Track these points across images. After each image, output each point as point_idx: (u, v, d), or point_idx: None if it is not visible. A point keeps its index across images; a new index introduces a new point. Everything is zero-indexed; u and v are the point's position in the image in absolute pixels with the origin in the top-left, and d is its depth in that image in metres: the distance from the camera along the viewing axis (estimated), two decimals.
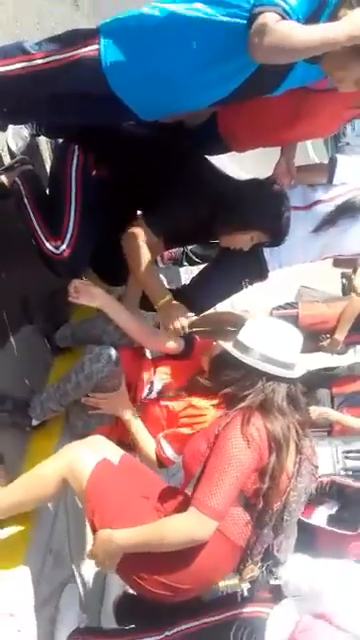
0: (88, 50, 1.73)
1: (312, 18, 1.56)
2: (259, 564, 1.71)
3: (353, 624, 1.71)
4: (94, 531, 1.75)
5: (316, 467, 1.80)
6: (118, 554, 1.67)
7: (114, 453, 1.93)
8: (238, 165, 3.05)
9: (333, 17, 1.59)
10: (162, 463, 2.06)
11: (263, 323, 1.87)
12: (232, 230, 2.19)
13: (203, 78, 1.72)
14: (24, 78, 1.82)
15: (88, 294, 2.03)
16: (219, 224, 2.19)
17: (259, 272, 2.54)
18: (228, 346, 1.78)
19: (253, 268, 2.51)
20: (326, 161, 2.79)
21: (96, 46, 1.72)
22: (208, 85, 1.75)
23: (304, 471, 1.72)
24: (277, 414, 1.67)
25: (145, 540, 1.62)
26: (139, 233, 2.11)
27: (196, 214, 2.15)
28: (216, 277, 2.70)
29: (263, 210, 2.11)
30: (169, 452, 2.04)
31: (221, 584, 1.72)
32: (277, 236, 2.21)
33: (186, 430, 2.13)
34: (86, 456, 1.84)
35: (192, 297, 2.48)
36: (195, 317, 2.24)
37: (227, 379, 1.77)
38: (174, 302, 2.18)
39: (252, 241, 2.19)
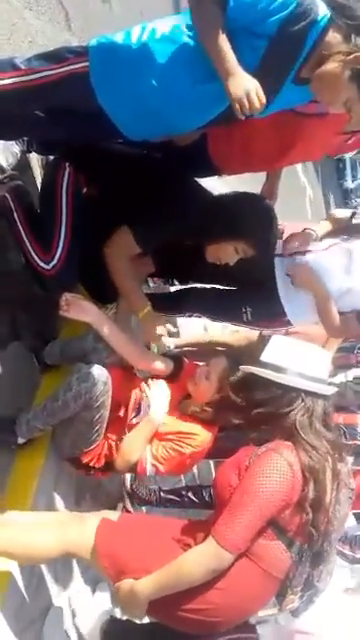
0: (77, 67, 1.74)
1: (292, 31, 1.57)
2: (299, 594, 1.68)
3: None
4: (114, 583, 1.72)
5: (352, 490, 1.77)
6: (144, 602, 1.63)
7: (112, 516, 1.88)
8: (224, 185, 3.07)
9: (320, 40, 1.60)
10: (135, 469, 2.10)
11: (287, 343, 1.85)
12: (215, 239, 2.17)
13: (188, 101, 1.72)
14: (14, 93, 1.82)
15: (79, 308, 2.01)
16: (204, 236, 2.19)
17: (267, 307, 2.50)
18: (257, 370, 1.76)
19: (259, 299, 2.48)
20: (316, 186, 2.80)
21: (85, 63, 1.73)
22: (194, 107, 1.76)
23: (342, 498, 1.68)
24: (312, 437, 1.65)
25: (166, 582, 1.60)
26: (121, 242, 2.10)
27: (182, 227, 2.14)
28: (213, 293, 2.70)
29: (247, 219, 2.10)
30: (149, 466, 2.07)
31: (260, 613, 1.72)
32: (263, 249, 2.19)
33: (175, 449, 2.12)
34: (81, 527, 1.80)
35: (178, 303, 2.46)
36: (174, 331, 2.24)
37: (263, 399, 1.73)
38: (154, 313, 2.18)
39: (237, 254, 2.17)
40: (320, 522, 1.61)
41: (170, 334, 3.21)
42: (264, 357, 1.79)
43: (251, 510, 1.55)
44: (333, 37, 1.61)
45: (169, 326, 2.22)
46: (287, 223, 2.97)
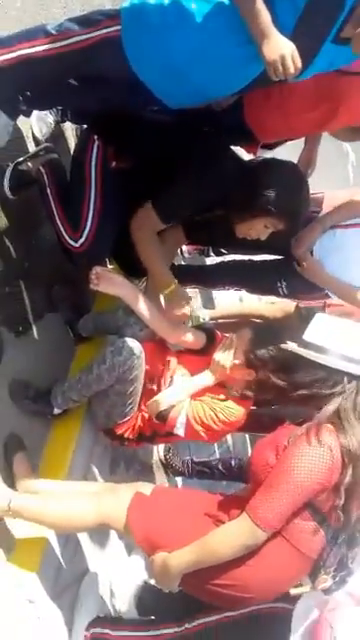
0: (109, 31, 1.68)
1: None
2: (332, 574, 1.68)
3: None
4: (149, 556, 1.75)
5: None
6: (177, 575, 1.66)
7: (144, 488, 1.89)
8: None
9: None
10: (164, 419, 2.06)
11: (331, 322, 1.80)
12: (245, 215, 2.10)
13: (224, 63, 1.66)
14: (47, 60, 1.79)
15: (109, 281, 2.00)
16: (233, 209, 2.12)
17: (300, 279, 2.41)
18: (300, 349, 1.72)
19: (295, 272, 2.40)
20: None
21: (118, 27, 1.67)
22: (230, 70, 1.69)
23: None
24: (354, 421, 1.61)
25: (198, 556, 1.61)
26: (145, 218, 2.06)
27: (207, 198, 2.07)
28: (247, 266, 2.66)
29: (276, 192, 2.01)
30: (180, 421, 2.05)
31: (292, 591, 1.72)
32: (293, 222, 2.11)
33: (209, 414, 2.10)
34: (115, 499, 1.81)
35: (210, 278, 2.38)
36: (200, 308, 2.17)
37: (305, 381, 1.69)
38: (179, 291, 2.13)
39: (267, 229, 2.10)
40: (353, 507, 1.58)
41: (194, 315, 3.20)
42: (307, 336, 1.74)
43: (287, 491, 1.54)
44: None
45: (194, 306, 2.14)
46: (327, 192, 2.87)
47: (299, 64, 1.53)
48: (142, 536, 1.74)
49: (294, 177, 2.11)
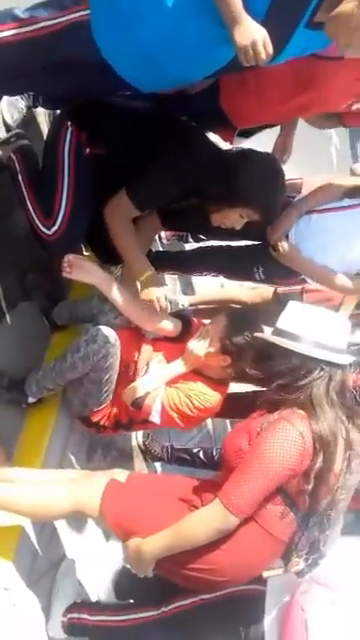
0: (78, 15, 1.65)
1: None
2: (304, 557, 1.72)
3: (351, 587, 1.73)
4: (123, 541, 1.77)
5: None
6: (151, 561, 1.67)
7: (120, 475, 1.90)
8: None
9: None
10: (139, 407, 2.07)
11: (304, 309, 1.81)
12: (219, 205, 2.10)
13: (195, 48, 1.63)
14: (15, 46, 1.75)
15: (82, 269, 1.98)
16: (208, 199, 2.11)
17: (276, 264, 2.41)
18: (273, 337, 1.73)
19: (271, 257, 2.39)
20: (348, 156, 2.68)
21: (87, 11, 1.64)
22: (201, 55, 1.66)
23: (355, 467, 1.68)
24: (326, 407, 1.64)
25: (171, 542, 1.63)
26: (118, 205, 2.04)
27: (182, 187, 2.06)
28: (224, 252, 2.65)
29: (252, 184, 2.01)
30: (155, 407, 2.05)
31: (265, 574, 1.75)
32: (268, 214, 2.12)
33: (184, 400, 2.11)
34: (89, 487, 1.82)
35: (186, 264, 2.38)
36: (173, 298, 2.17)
37: (280, 369, 1.70)
38: (155, 278, 2.11)
39: (242, 219, 2.10)
40: (321, 492, 1.61)
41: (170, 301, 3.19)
42: (280, 324, 1.75)
43: (259, 476, 1.57)
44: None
45: (169, 293, 2.14)
46: (305, 178, 2.86)
47: (270, 50, 1.51)
48: (116, 522, 1.76)
49: (270, 169, 2.11)
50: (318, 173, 3.57)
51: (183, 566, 1.68)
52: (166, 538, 1.64)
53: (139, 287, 2.15)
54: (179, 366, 2.13)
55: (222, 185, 2.02)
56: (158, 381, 2.12)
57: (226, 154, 2.18)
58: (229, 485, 1.60)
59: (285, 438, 1.58)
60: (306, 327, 1.71)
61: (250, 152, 2.16)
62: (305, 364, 1.68)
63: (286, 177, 2.53)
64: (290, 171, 2.72)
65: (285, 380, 1.69)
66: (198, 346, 2.08)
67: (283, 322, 1.76)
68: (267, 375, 1.76)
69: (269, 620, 1.81)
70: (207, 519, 1.61)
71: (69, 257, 1.96)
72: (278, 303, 3.10)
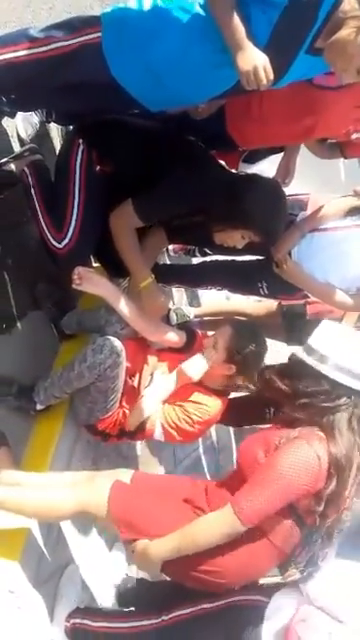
0: (90, 38, 1.73)
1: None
2: (301, 569, 1.75)
3: (351, 617, 1.73)
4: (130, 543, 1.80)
5: None
6: (158, 562, 1.71)
7: (124, 475, 1.93)
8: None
9: (335, 8, 1.56)
10: (143, 433, 2.17)
11: (336, 331, 1.80)
12: (222, 226, 2.16)
13: (201, 70, 1.70)
14: (30, 65, 1.83)
15: (91, 282, 2.04)
16: (211, 218, 2.17)
17: (280, 281, 2.45)
18: (303, 355, 1.73)
19: (276, 275, 2.44)
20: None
21: (98, 34, 1.72)
22: (207, 77, 1.73)
23: None
24: (346, 433, 1.65)
25: (179, 545, 1.66)
26: (123, 213, 2.09)
27: (185, 205, 2.13)
28: (229, 267, 2.70)
29: (255, 208, 2.07)
30: (157, 429, 2.13)
31: (261, 581, 1.80)
32: (269, 237, 2.17)
33: (184, 417, 2.17)
34: (94, 487, 1.85)
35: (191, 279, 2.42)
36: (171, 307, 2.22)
37: (308, 390, 1.70)
38: (155, 286, 2.17)
39: (244, 240, 2.16)
40: (330, 513, 1.64)
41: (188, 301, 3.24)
42: (312, 342, 1.75)
43: (272, 491, 1.59)
44: (348, 3, 1.56)
45: (171, 303, 2.21)
46: (311, 196, 2.91)
47: (271, 76, 1.58)
48: (122, 524, 1.79)
49: (274, 194, 2.17)
50: (327, 187, 3.60)
51: (187, 567, 1.72)
52: (174, 541, 1.67)
53: (140, 293, 2.21)
54: (168, 384, 2.20)
55: (226, 206, 2.08)
56: (153, 404, 2.19)
57: (231, 177, 2.24)
58: (242, 494, 1.63)
59: (302, 458, 1.60)
60: (338, 350, 1.70)
61: (255, 177, 2.22)
62: (335, 390, 1.68)
63: (294, 192, 2.60)
64: (299, 186, 2.78)
65: (310, 400, 1.69)
66: (190, 367, 2.15)
67: (315, 341, 1.75)
68: (294, 393, 1.75)
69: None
70: (217, 525, 1.64)
71: (79, 269, 2.02)
72: (282, 316, 3.15)
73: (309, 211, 2.56)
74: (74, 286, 2.04)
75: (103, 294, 2.07)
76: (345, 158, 2.63)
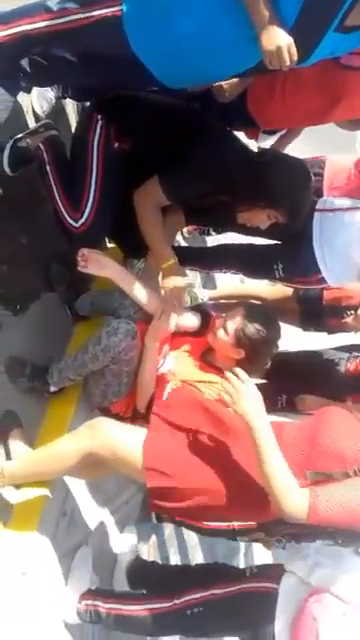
0: (110, 11, 1.67)
1: None
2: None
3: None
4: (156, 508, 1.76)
5: None
6: (247, 415, 1.61)
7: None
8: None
9: None
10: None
11: None
12: (248, 205, 2.11)
13: (225, 46, 1.65)
14: (47, 37, 1.79)
15: (97, 263, 1.99)
16: (236, 197, 2.12)
17: (297, 263, 2.42)
18: None
19: (292, 256, 2.40)
20: None
21: (118, 7, 1.66)
22: (231, 53, 1.68)
23: None
24: None
25: (269, 459, 1.56)
26: (150, 191, 2.05)
27: (212, 183, 2.07)
28: (244, 249, 2.65)
29: (283, 187, 2.02)
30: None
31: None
32: (295, 217, 2.12)
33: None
34: (116, 430, 1.82)
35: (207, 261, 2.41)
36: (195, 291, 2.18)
37: None
38: (178, 268, 2.13)
39: (269, 220, 2.11)
40: None
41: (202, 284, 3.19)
42: None
43: (355, 512, 1.51)
44: None
45: (190, 286, 2.16)
46: (329, 156, 2.85)
47: (294, 57, 1.54)
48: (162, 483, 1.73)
49: (301, 174, 2.12)
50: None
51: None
52: (269, 447, 1.57)
53: (160, 275, 2.17)
54: (152, 351, 2.13)
55: (253, 185, 2.03)
56: (149, 373, 2.14)
57: (259, 156, 2.19)
58: (326, 497, 1.52)
59: None
60: None
61: (281, 156, 2.18)
62: None
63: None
64: (313, 153, 2.72)
65: None
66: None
67: None
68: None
69: (280, 626, 1.79)
70: (288, 498, 1.53)
71: (84, 251, 1.98)
72: (297, 301, 3.10)
73: (327, 172, 2.55)
74: (79, 268, 2.00)
75: (111, 276, 2.04)
76: None
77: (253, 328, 2.07)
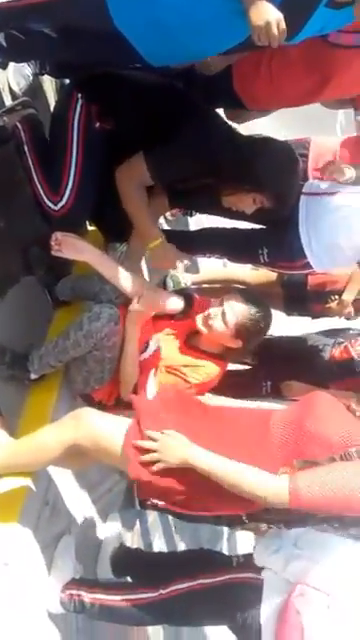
0: None
1: None
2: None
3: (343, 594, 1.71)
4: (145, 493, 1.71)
5: None
6: (182, 463, 1.60)
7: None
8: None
9: None
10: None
11: None
12: (233, 188, 2.07)
13: (211, 21, 1.59)
14: (25, 10, 1.72)
15: (72, 247, 1.94)
16: (222, 180, 2.08)
17: (282, 248, 2.38)
18: None
19: (277, 241, 2.37)
20: None
21: None
22: (217, 28, 1.62)
23: None
24: None
25: (222, 472, 1.56)
26: (134, 169, 2.00)
27: (198, 164, 2.03)
28: (229, 234, 2.61)
29: (270, 170, 1.99)
30: (150, 390, 2.04)
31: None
32: (281, 202, 2.09)
33: (180, 379, 2.11)
34: (99, 420, 1.78)
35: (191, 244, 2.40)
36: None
37: None
38: (166, 245, 2.09)
39: (254, 204, 2.08)
40: None
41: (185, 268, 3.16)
42: None
43: (337, 498, 1.49)
44: None
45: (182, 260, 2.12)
46: (313, 137, 2.82)
47: (283, 33, 1.51)
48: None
49: (289, 159, 2.10)
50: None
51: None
52: (219, 466, 1.56)
53: (147, 255, 2.12)
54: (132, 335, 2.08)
55: (240, 168, 1.99)
56: (130, 358, 2.10)
57: (246, 139, 2.15)
58: (305, 478, 1.51)
59: None
60: None
61: (270, 139, 2.13)
62: None
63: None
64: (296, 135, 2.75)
65: None
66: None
67: None
68: None
69: (265, 621, 1.78)
70: (266, 487, 1.53)
71: (57, 235, 1.92)
72: (282, 286, 3.08)
73: (312, 153, 2.59)
74: (53, 252, 1.94)
75: (88, 259, 1.98)
76: (356, 109, 2.57)
77: (255, 320, 2.06)
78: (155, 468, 1.62)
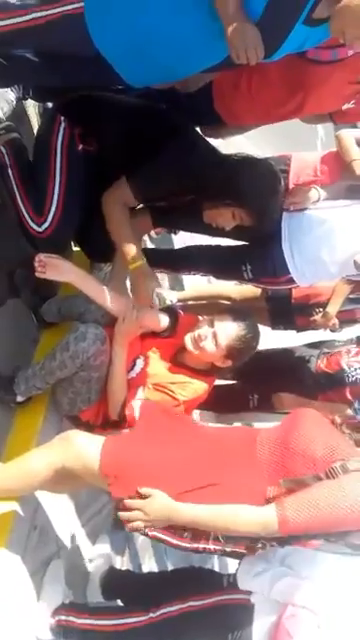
0: (71, 8, 1.62)
1: None
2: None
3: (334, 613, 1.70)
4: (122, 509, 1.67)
5: None
6: (170, 521, 1.61)
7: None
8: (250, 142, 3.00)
9: None
10: (124, 419, 2.07)
11: None
12: (215, 202, 2.08)
13: (190, 41, 1.62)
14: (6, 36, 1.72)
15: (55, 269, 1.94)
16: (202, 195, 2.10)
17: (265, 264, 2.39)
18: None
19: (260, 257, 2.38)
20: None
21: (80, 3, 1.61)
22: (196, 49, 1.65)
23: None
24: None
25: (210, 520, 1.57)
26: (118, 191, 2.02)
27: (181, 183, 2.05)
28: (213, 251, 2.63)
29: (251, 186, 2.00)
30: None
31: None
32: (261, 218, 2.11)
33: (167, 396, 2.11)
34: (87, 442, 1.77)
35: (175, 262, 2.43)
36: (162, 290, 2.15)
37: None
38: (147, 268, 2.09)
39: (234, 220, 2.09)
40: None
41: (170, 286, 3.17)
42: None
43: (325, 518, 1.49)
44: None
45: (158, 288, 2.14)
46: (294, 153, 2.86)
47: (261, 52, 1.53)
48: (114, 475, 1.69)
49: (271, 176, 2.11)
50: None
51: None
52: (202, 515, 1.57)
53: (129, 277, 2.13)
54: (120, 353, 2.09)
55: (221, 184, 2.01)
56: (117, 376, 2.09)
57: (228, 156, 2.17)
58: (292, 503, 1.51)
59: None
60: None
61: (253, 158, 2.15)
62: None
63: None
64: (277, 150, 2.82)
65: None
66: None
67: None
68: None
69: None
70: (256, 522, 1.54)
71: (40, 257, 1.92)
72: (267, 300, 3.10)
73: (293, 168, 2.63)
74: (37, 274, 1.94)
75: (71, 280, 1.99)
76: (335, 124, 2.61)
77: (246, 341, 2.06)
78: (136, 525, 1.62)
